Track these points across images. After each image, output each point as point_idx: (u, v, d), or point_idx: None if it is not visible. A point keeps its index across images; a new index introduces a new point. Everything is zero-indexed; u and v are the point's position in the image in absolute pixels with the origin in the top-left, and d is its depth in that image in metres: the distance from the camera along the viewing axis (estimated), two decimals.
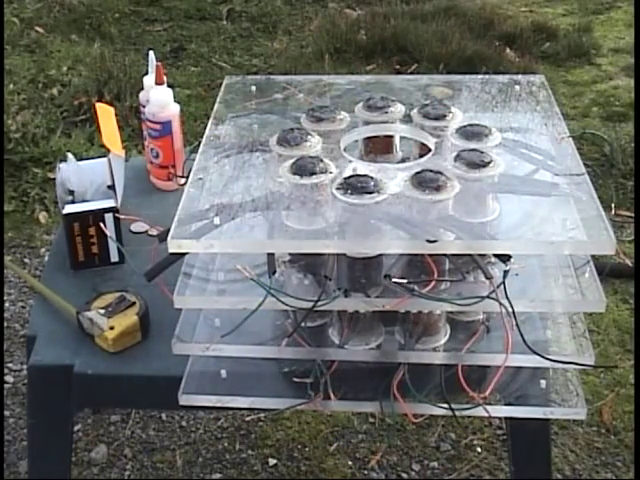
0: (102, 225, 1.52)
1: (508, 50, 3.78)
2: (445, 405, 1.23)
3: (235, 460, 1.93)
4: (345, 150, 1.35)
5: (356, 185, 1.20)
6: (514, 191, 1.28)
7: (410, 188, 1.21)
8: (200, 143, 1.40)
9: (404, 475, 1.90)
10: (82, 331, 1.42)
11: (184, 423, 2.02)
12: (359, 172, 1.26)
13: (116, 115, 1.79)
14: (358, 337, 1.27)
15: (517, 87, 1.53)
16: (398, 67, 3.70)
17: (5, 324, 2.30)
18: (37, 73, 3.51)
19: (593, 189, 1.26)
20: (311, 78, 1.63)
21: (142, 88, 1.81)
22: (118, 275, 1.54)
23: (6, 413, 2.03)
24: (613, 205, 1.80)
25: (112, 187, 1.60)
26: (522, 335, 1.17)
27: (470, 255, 1.19)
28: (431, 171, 1.22)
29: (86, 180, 1.62)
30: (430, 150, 1.36)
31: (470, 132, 1.33)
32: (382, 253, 1.22)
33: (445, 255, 1.20)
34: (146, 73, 1.81)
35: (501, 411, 1.31)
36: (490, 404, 1.24)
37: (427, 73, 3.44)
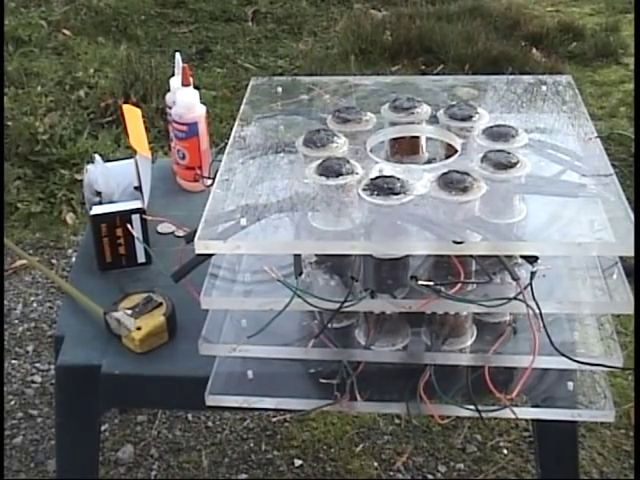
0: (129, 226, 1.53)
1: (534, 50, 3.77)
2: (471, 406, 1.23)
3: (261, 461, 1.93)
4: (371, 151, 1.35)
5: (382, 186, 1.20)
6: (541, 192, 1.28)
7: (436, 189, 1.20)
8: (226, 144, 1.41)
9: (430, 476, 1.89)
10: (109, 331, 1.42)
11: (210, 424, 2.03)
12: (385, 173, 1.25)
13: (142, 117, 1.79)
14: (384, 338, 1.26)
15: (544, 87, 1.52)
16: (424, 68, 3.69)
17: (33, 324, 2.32)
18: (64, 75, 3.53)
19: (621, 190, 1.25)
20: (337, 79, 1.63)
21: (168, 90, 1.82)
22: (145, 276, 1.55)
23: (34, 412, 2.05)
24: None
25: (139, 188, 1.61)
26: (549, 337, 1.17)
27: (497, 256, 1.19)
28: (457, 172, 1.22)
29: (113, 181, 1.62)
30: (456, 151, 1.35)
31: (497, 133, 1.32)
32: (408, 254, 1.22)
33: (472, 256, 1.20)
34: (172, 75, 1.82)
35: (528, 413, 1.31)
36: (517, 406, 1.24)
37: (453, 74, 3.43)
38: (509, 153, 1.26)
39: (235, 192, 1.29)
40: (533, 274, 1.16)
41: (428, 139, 1.44)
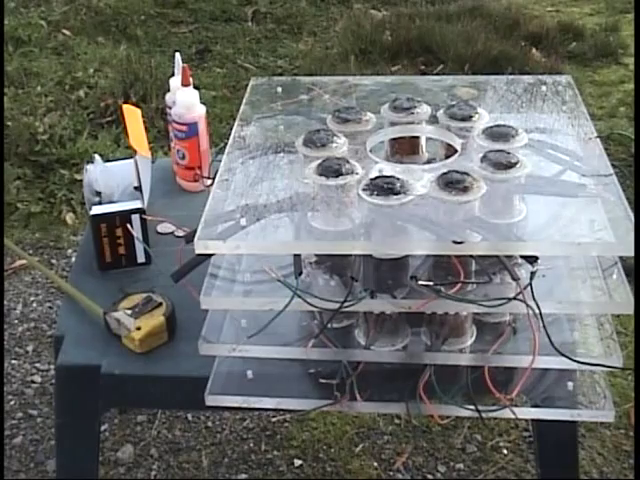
0: (129, 226, 1.53)
1: (534, 50, 3.77)
2: (471, 406, 1.22)
3: (261, 461, 1.93)
4: (371, 151, 1.35)
5: (382, 186, 1.20)
6: (541, 192, 1.28)
7: (436, 189, 1.20)
8: (226, 144, 1.41)
9: (429, 476, 1.89)
10: (109, 332, 1.42)
11: (210, 424, 2.03)
12: (385, 173, 1.25)
13: (142, 117, 1.79)
14: (384, 338, 1.26)
15: (543, 87, 1.52)
16: (423, 68, 3.69)
17: (33, 324, 2.32)
18: (64, 75, 3.53)
19: (621, 190, 1.25)
20: (336, 79, 1.63)
21: (168, 90, 1.82)
22: (145, 276, 1.55)
23: (34, 412, 2.05)
24: None
25: (139, 188, 1.61)
26: (549, 337, 1.17)
27: (497, 256, 1.19)
28: (457, 172, 1.22)
29: (113, 181, 1.63)
30: (456, 151, 1.35)
31: (496, 133, 1.32)
32: (408, 254, 1.22)
33: (471, 256, 1.20)
34: (172, 75, 1.82)
35: (528, 413, 1.31)
36: (517, 406, 1.24)
37: (453, 74, 3.43)
38: (509, 153, 1.26)
39: (235, 192, 1.29)
40: (533, 274, 1.16)
41: (428, 139, 1.43)
